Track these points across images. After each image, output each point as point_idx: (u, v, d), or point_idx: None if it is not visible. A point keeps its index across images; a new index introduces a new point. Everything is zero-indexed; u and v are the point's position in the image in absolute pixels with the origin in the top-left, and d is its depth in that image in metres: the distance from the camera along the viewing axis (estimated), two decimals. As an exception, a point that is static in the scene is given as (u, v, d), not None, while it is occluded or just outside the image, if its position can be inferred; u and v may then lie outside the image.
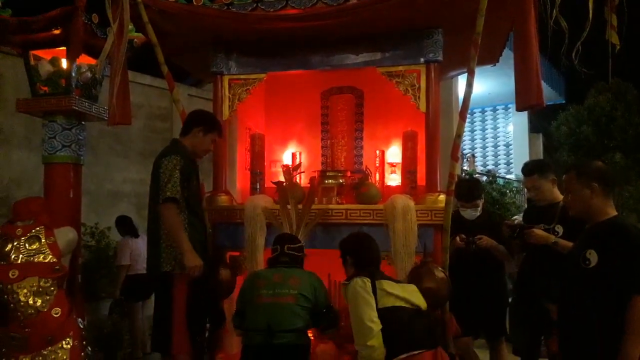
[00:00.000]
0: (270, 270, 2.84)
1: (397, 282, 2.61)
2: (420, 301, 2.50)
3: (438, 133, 3.33)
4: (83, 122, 3.33)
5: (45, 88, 3.20)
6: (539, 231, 3.00)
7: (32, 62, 3.22)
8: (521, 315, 3.31)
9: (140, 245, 5.09)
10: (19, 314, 2.36)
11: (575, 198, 2.27)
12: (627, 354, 1.98)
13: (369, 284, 2.38)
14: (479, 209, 3.51)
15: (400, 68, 3.32)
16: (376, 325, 2.28)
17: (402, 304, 2.40)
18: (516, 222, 3.28)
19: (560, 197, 3.15)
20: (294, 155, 4.24)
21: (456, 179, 3.13)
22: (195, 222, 3.01)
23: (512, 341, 3.47)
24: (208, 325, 3.23)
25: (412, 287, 2.58)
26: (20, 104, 3.21)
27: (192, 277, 2.82)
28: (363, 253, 2.62)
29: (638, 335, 1.98)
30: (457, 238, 3.32)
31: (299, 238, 3.11)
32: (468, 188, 3.55)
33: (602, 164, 2.37)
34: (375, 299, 2.34)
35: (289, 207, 3.30)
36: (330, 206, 3.42)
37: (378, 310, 2.33)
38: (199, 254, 2.90)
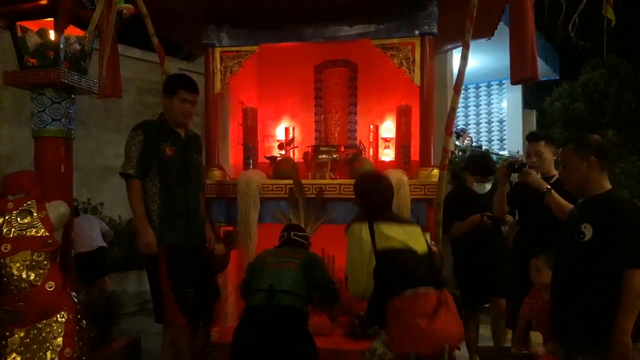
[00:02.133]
0: (277, 248, 2.95)
1: (402, 222, 2.54)
2: (419, 245, 2.44)
3: (432, 107, 3.31)
4: (73, 96, 3.27)
5: (33, 60, 3.12)
6: (535, 174, 2.98)
7: (19, 33, 3.14)
8: (515, 290, 3.34)
9: (81, 224, 4.90)
10: (12, 287, 2.35)
11: (572, 171, 2.27)
12: (621, 326, 2.01)
13: (366, 230, 2.38)
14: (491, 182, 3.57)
15: (395, 40, 3.28)
16: (367, 273, 2.33)
17: (400, 246, 2.37)
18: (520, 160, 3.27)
19: (555, 172, 3.15)
20: (287, 129, 4.21)
21: (449, 153, 3.13)
22: (167, 194, 2.93)
23: (506, 315, 3.52)
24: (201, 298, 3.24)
25: (414, 229, 2.50)
26: (8, 77, 3.14)
27: (146, 253, 2.84)
28: (369, 195, 2.59)
29: (632, 308, 2.01)
30: (484, 217, 3.37)
31: (307, 232, 3.18)
32: (484, 164, 3.61)
33: (600, 137, 2.36)
34: (374, 242, 2.35)
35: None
36: (324, 181, 3.42)
37: (378, 251, 2.34)
38: (175, 227, 2.91)
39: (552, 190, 2.83)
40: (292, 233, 2.97)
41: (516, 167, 3.03)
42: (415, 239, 2.44)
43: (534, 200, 3.10)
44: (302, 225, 3.27)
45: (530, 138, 3.34)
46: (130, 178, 2.87)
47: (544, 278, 2.86)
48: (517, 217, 3.48)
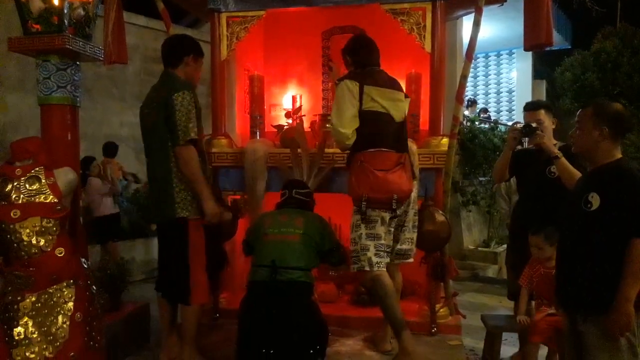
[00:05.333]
0: (278, 211, 2.89)
1: (391, 86, 2.79)
2: (399, 112, 2.77)
3: (443, 74, 3.25)
4: (78, 62, 3.23)
5: (38, 26, 3.07)
6: (547, 139, 2.88)
7: (23, -2, 3.09)
8: (515, 260, 3.32)
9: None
10: (23, 253, 2.37)
11: (583, 134, 2.23)
12: (624, 295, 2.01)
13: (356, 88, 2.66)
14: None
15: (406, 5, 3.20)
16: (352, 121, 2.65)
17: (382, 110, 2.70)
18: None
19: (555, 140, 3.09)
20: (294, 98, 4.16)
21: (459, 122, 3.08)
22: (202, 164, 2.81)
23: (508, 286, 3.52)
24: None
25: (399, 96, 2.81)
26: (13, 43, 3.10)
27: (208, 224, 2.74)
28: (361, 53, 2.87)
29: (636, 277, 2.01)
30: None
31: (309, 186, 3.12)
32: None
33: (621, 107, 2.26)
34: (362, 101, 2.65)
35: (299, 150, 3.29)
36: (331, 150, 3.39)
37: (362, 111, 2.66)
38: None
39: (562, 158, 2.77)
40: (294, 191, 2.89)
41: (529, 131, 2.91)
42: (397, 106, 2.75)
43: (535, 169, 3.05)
44: (304, 177, 3.22)
45: (529, 107, 3.18)
46: (195, 144, 2.67)
47: (545, 253, 2.86)
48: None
